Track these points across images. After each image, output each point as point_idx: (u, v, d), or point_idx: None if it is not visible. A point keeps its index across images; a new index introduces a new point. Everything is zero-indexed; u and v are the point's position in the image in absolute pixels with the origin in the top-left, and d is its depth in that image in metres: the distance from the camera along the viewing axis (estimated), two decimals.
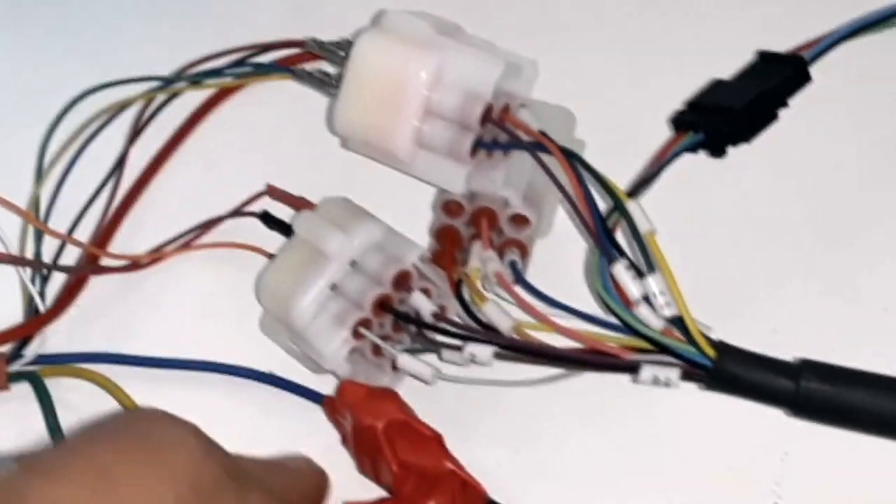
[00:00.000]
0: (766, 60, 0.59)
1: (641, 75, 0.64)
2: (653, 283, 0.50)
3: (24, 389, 0.59)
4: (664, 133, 0.58)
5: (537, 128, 0.54)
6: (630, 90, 0.64)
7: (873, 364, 0.53)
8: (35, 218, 0.62)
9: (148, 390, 0.58)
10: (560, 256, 0.58)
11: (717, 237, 0.59)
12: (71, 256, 0.63)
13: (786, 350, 0.52)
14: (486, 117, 0.53)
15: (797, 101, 0.58)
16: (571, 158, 0.52)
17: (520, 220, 0.56)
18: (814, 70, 0.59)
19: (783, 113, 0.58)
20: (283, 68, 0.63)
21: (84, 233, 0.63)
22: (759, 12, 0.64)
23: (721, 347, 0.50)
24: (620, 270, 0.51)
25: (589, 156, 0.56)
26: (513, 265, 0.56)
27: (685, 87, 0.60)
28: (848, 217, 0.59)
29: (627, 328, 0.51)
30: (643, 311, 0.50)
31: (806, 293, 0.57)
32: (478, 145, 0.54)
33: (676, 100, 0.60)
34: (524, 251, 0.57)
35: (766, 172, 0.60)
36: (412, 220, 0.59)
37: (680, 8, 0.65)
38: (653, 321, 0.50)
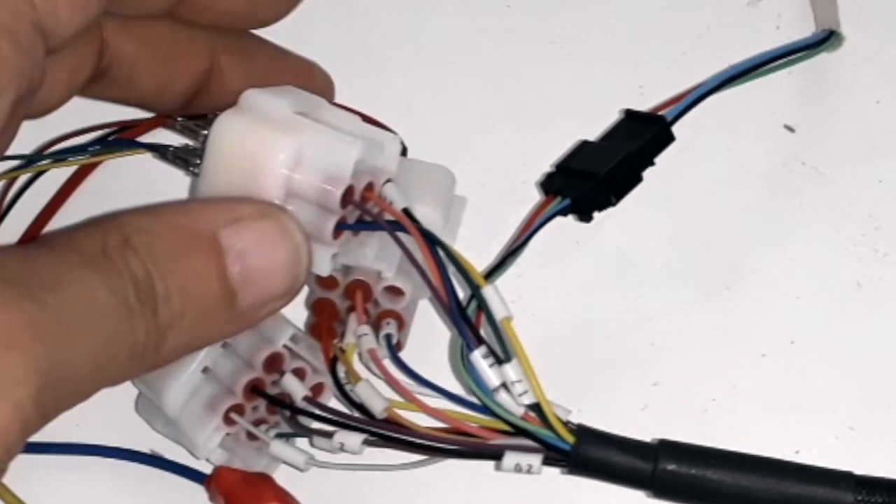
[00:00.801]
0: (632, 119, 0.59)
1: (518, 129, 0.64)
2: (510, 370, 0.51)
3: None
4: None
5: (401, 205, 0.53)
6: (507, 148, 0.64)
7: (753, 411, 0.56)
8: None
9: (25, 477, 0.56)
10: (436, 328, 0.58)
11: (592, 299, 0.60)
12: None
13: (667, 408, 0.56)
14: (348, 199, 0.53)
15: (663, 158, 0.59)
16: (431, 242, 0.52)
17: (394, 291, 0.56)
18: (680, 125, 0.59)
19: (650, 171, 0.58)
20: (146, 145, 0.62)
21: None
22: (633, 64, 0.65)
23: (579, 432, 0.51)
24: (478, 358, 0.50)
25: (469, 214, 0.59)
26: (388, 339, 0.56)
27: (560, 142, 0.61)
28: (719, 267, 0.61)
29: (490, 412, 0.51)
30: (503, 397, 0.51)
31: (684, 349, 0.59)
32: (341, 227, 0.53)
33: (552, 155, 0.60)
34: (401, 322, 0.57)
35: (636, 230, 0.61)
36: None
37: (553, 63, 0.65)
38: (513, 407, 0.51)
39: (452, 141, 0.63)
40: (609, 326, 0.59)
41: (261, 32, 0.61)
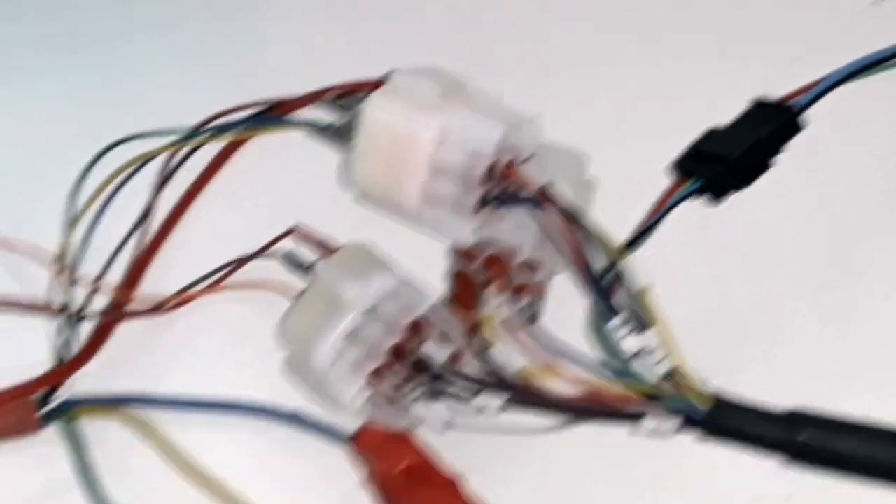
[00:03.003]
0: (761, 108, 0.61)
1: (647, 118, 0.66)
2: (649, 338, 0.53)
3: (54, 434, 0.61)
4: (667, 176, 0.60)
5: (540, 182, 0.56)
6: (641, 132, 0.67)
7: (870, 401, 0.55)
8: (65, 266, 0.64)
9: (176, 432, 0.60)
10: (572, 300, 0.59)
11: (717, 281, 0.62)
12: (100, 302, 0.65)
13: (786, 389, 0.54)
14: (490, 175, 0.56)
15: (792, 146, 0.60)
16: (570, 215, 0.54)
17: (531, 266, 0.59)
18: (808, 115, 0.60)
19: (779, 158, 0.60)
20: (299, 122, 0.65)
21: (113, 278, 0.65)
22: (757, 59, 0.66)
23: (715, 399, 0.52)
24: (616, 326, 0.53)
25: (598, 198, 0.59)
26: (525, 310, 0.58)
27: (687, 131, 0.62)
28: (842, 256, 0.62)
29: (627, 380, 0.52)
30: (641, 365, 0.52)
31: (804, 334, 0.60)
32: (483, 201, 0.56)
33: (680, 143, 0.61)
34: (537, 295, 0.59)
35: (763, 217, 0.62)
36: (429, 267, 0.61)
37: (682, 53, 0.67)
38: (650, 374, 0.52)
39: (584, 126, 0.65)
40: (732, 308, 0.61)
41: None
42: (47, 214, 0.68)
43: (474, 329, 0.58)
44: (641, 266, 0.54)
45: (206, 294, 0.64)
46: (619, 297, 0.54)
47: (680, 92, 0.65)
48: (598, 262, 0.55)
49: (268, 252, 0.64)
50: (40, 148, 0.72)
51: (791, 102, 0.60)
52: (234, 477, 0.58)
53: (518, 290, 0.59)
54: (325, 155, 0.66)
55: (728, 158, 0.58)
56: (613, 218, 0.59)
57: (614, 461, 0.58)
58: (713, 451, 0.56)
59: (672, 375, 0.52)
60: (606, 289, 0.54)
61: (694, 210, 0.59)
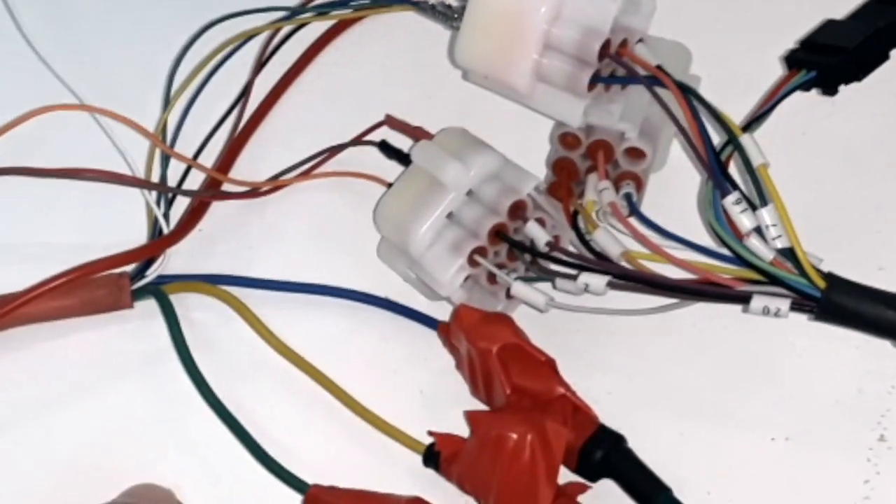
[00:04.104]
0: (880, 1, 0.59)
1: (756, 14, 0.65)
2: (765, 214, 0.51)
3: (147, 309, 0.60)
4: (777, 71, 0.59)
5: (654, 63, 0.55)
6: (744, 29, 0.65)
7: None
8: (162, 142, 0.64)
9: (267, 313, 0.59)
10: (673, 190, 0.59)
11: (827, 173, 0.61)
12: (195, 181, 0.65)
13: (892, 286, 0.53)
14: (604, 52, 0.55)
15: None
16: (687, 93, 0.53)
17: (635, 154, 0.58)
18: None
19: (895, 53, 0.58)
20: (406, 0, 0.64)
21: (208, 159, 0.65)
22: None
23: (830, 279, 0.51)
24: (732, 202, 0.51)
25: (703, 92, 0.57)
26: (628, 197, 0.57)
27: (798, 26, 0.61)
28: None
29: (739, 259, 0.51)
30: (754, 243, 0.51)
31: None
32: (596, 79, 0.55)
33: (789, 38, 0.61)
34: (639, 184, 0.58)
35: (878, 110, 0.61)
36: (529, 153, 0.60)
37: None
38: (764, 252, 0.51)
39: (692, 20, 0.65)
40: (838, 201, 0.60)
41: None
42: (148, 90, 0.68)
43: (575, 214, 0.56)
44: (758, 144, 0.52)
45: (300, 181, 0.63)
46: (734, 175, 0.53)
47: None
48: (714, 139, 0.54)
49: (362, 140, 0.63)
50: (142, 23, 0.72)
51: None
52: (322, 356, 0.58)
53: (621, 179, 0.58)
54: (421, 44, 0.65)
55: (843, 50, 0.57)
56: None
57: (713, 350, 0.57)
58: (816, 342, 0.55)
59: (788, 253, 0.50)
60: (723, 164, 0.52)
61: (808, 102, 0.58)
